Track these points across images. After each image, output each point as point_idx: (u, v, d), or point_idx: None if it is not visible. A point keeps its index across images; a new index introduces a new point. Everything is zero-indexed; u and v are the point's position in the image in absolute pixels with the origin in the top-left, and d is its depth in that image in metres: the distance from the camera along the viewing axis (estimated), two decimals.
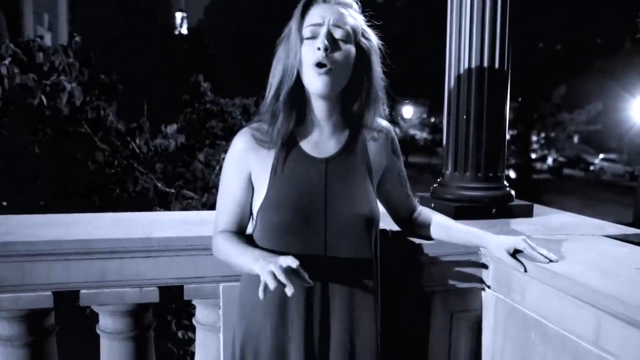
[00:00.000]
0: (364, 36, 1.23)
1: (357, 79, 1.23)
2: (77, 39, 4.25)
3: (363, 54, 1.22)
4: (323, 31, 1.16)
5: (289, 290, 0.97)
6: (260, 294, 0.99)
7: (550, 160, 28.89)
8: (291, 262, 1.01)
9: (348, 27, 1.18)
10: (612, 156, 25.60)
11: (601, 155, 26.25)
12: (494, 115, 1.79)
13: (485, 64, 1.76)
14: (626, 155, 23.65)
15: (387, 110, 1.31)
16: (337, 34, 1.17)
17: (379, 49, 1.27)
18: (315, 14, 1.18)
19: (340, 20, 1.18)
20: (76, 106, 4.15)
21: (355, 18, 1.22)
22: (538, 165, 27.43)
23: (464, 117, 1.79)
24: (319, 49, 1.15)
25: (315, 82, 1.17)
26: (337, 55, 1.17)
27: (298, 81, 1.20)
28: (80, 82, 4.25)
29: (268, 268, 1.00)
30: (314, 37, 1.17)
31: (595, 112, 24.04)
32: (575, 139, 28.01)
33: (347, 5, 1.22)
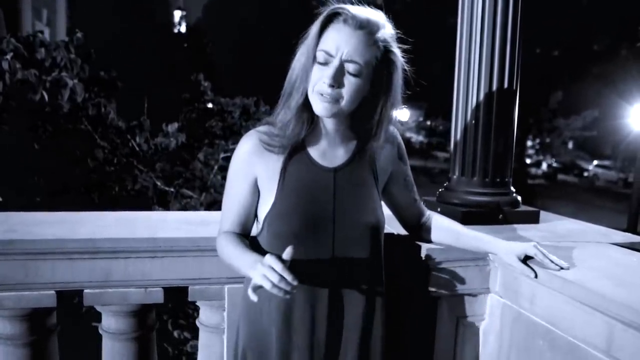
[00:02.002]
0: (385, 60, 1.16)
1: (370, 103, 1.19)
2: (79, 34, 4.22)
3: (380, 80, 1.17)
4: (334, 64, 1.10)
5: (294, 281, 1.00)
6: (251, 295, 1.02)
7: (544, 166, 29.01)
8: (273, 262, 1.02)
9: (362, 62, 1.11)
10: (606, 163, 25.77)
11: (595, 162, 26.40)
12: (502, 121, 1.78)
13: (496, 67, 1.75)
14: (620, 162, 23.77)
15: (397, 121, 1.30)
16: (350, 68, 1.11)
17: (404, 69, 1.20)
18: (331, 40, 1.11)
19: (355, 54, 1.10)
20: (77, 103, 4.11)
21: (378, 44, 1.14)
22: (533, 170, 27.53)
23: (473, 122, 1.78)
24: (324, 83, 1.11)
25: (317, 107, 1.15)
26: (345, 90, 1.12)
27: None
28: (81, 79, 4.21)
29: (260, 272, 1.02)
30: (326, 63, 1.12)
31: (591, 118, 24.11)
32: (570, 144, 28.11)
33: (371, 30, 1.12)
